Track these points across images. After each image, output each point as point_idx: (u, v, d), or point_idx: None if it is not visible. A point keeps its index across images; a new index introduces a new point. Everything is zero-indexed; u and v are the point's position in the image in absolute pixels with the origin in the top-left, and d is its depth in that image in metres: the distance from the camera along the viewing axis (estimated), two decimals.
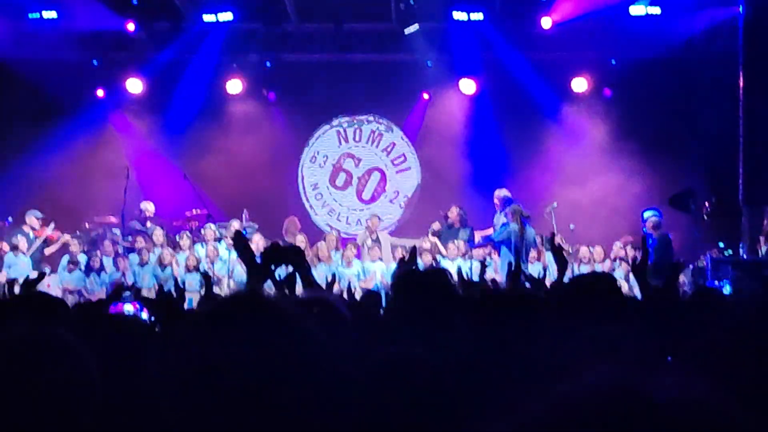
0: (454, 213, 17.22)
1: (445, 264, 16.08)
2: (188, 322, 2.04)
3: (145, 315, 5.15)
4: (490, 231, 16.14)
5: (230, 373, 1.86)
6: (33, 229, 16.33)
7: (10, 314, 4.68)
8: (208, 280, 6.48)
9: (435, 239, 16.74)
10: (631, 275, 15.27)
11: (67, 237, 16.63)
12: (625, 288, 13.54)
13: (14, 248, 15.87)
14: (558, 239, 9.08)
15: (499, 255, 15.27)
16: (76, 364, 2.04)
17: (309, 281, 4.91)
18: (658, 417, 1.29)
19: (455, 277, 6.38)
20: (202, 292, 6.52)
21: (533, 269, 14.27)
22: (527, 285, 6.80)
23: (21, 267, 15.29)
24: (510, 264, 7.27)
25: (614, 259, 16.19)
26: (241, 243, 4.65)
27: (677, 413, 1.30)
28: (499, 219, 15.59)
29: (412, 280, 4.43)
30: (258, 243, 16.15)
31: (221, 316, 2.00)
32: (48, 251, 16.56)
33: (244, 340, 1.91)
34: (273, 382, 1.88)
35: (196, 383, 1.88)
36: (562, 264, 6.03)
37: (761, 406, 2.29)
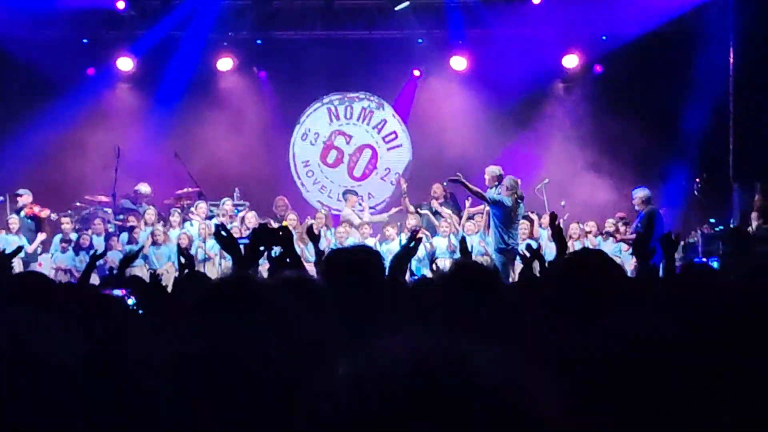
0: (439, 189, 17.23)
1: (438, 241, 16.16)
2: (177, 307, 2.05)
3: (131, 301, 5.15)
4: (481, 208, 16.15)
5: (219, 358, 1.88)
6: (22, 207, 16.28)
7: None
8: (189, 259, 6.46)
9: (426, 212, 16.77)
10: (622, 251, 15.38)
11: (48, 211, 16.58)
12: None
13: (7, 228, 15.84)
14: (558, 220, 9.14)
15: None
16: (57, 351, 2.03)
17: (297, 261, 4.95)
18: (464, 387, 1.27)
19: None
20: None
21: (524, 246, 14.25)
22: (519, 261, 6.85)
23: (14, 246, 15.22)
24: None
25: (604, 233, 16.12)
26: (223, 238, 4.71)
27: (486, 387, 1.28)
28: (491, 195, 15.56)
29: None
30: (250, 221, 16.18)
31: (211, 301, 2.01)
32: (41, 231, 16.49)
33: (233, 324, 1.92)
34: (260, 365, 1.90)
35: (184, 367, 1.90)
36: (561, 244, 6.13)
37: (750, 380, 2.32)
